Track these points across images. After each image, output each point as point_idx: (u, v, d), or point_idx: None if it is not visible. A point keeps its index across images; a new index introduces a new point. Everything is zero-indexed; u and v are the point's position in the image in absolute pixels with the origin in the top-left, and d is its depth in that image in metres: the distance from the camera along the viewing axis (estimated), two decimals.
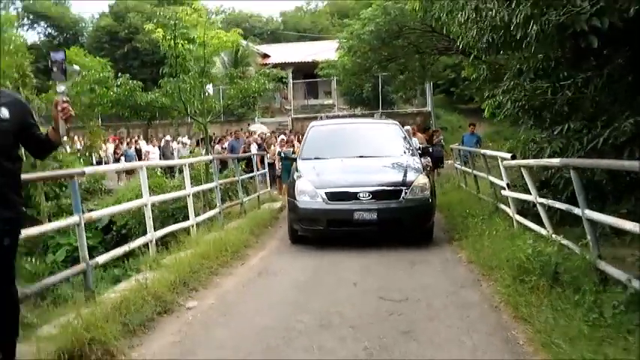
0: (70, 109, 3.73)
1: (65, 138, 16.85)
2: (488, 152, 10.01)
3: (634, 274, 4.43)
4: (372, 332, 4.72)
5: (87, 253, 5.44)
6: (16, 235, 3.62)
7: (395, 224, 8.22)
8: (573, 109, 6.43)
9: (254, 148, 17.08)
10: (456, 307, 5.40)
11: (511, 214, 7.90)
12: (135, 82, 12.82)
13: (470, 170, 12.02)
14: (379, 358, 4.22)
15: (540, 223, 6.60)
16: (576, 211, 5.30)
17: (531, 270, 5.35)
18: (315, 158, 9.17)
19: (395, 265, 7.18)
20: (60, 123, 3.72)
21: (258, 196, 12.88)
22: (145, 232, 7.22)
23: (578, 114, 6.51)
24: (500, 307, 5.33)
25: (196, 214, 8.94)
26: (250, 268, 7.31)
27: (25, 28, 46.11)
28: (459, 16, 6.76)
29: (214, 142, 21.02)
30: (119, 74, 13.98)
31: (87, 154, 18.56)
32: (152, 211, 7.67)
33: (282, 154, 13.77)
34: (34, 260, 7.21)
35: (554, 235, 6.07)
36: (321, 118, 11.80)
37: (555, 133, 6.64)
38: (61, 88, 3.75)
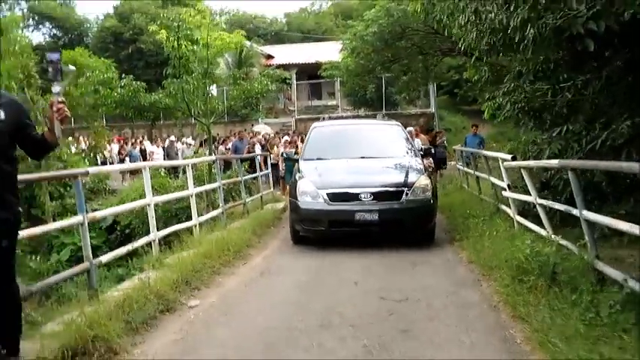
0: (66, 109, 3.74)
1: (70, 138, 17.00)
2: (489, 153, 10.05)
3: (630, 274, 4.48)
4: (371, 331, 4.77)
5: (90, 252, 5.51)
6: (14, 236, 3.66)
7: (396, 225, 8.24)
8: (573, 111, 6.47)
9: (258, 149, 17.16)
10: (456, 307, 5.45)
11: (512, 215, 7.95)
12: (139, 83, 12.91)
13: (471, 171, 12.06)
14: (378, 356, 4.26)
15: (541, 224, 6.64)
16: (574, 212, 5.35)
17: (530, 270, 5.40)
18: (317, 159, 9.20)
19: (396, 266, 7.23)
20: (55, 124, 3.72)
21: (261, 197, 12.95)
22: (148, 232, 7.30)
23: (577, 116, 6.56)
24: (499, 306, 5.37)
25: (199, 214, 9.00)
26: (252, 268, 7.37)
27: (31, 28, 46.36)
28: (460, 18, 6.81)
29: (218, 143, 21.08)
30: (123, 75, 14.07)
31: (91, 154, 18.65)
32: (155, 211, 7.74)
33: (285, 155, 13.82)
34: (38, 259, 7.28)
35: (553, 236, 6.12)
36: (324, 118, 11.86)
37: (554, 134, 6.68)
38: (56, 88, 3.77)
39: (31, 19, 45.99)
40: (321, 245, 8.32)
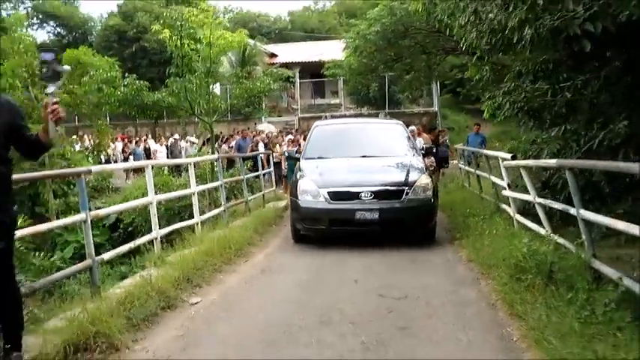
0: (60, 110, 3.69)
1: (74, 136, 17.06)
2: (490, 152, 10.09)
3: (625, 272, 4.52)
4: (370, 328, 4.83)
5: (93, 249, 5.57)
6: (10, 237, 3.70)
7: (397, 224, 8.25)
8: (572, 111, 6.51)
9: (261, 147, 17.22)
10: (454, 305, 5.50)
11: (512, 214, 7.98)
12: (142, 82, 12.97)
13: (472, 170, 12.10)
14: (376, 352, 4.32)
15: (540, 223, 6.67)
16: (572, 211, 5.39)
17: (527, 269, 5.45)
18: (319, 158, 9.23)
19: (396, 264, 7.27)
20: (50, 124, 3.69)
21: (263, 195, 13.01)
22: (150, 230, 7.36)
23: (576, 115, 6.59)
24: (497, 304, 5.43)
25: (201, 213, 9.07)
26: (253, 266, 7.43)
27: (35, 27, 46.46)
28: (460, 18, 6.86)
29: (221, 142, 21.14)
30: (127, 74, 14.14)
31: (95, 152, 18.73)
32: (158, 209, 7.80)
33: (286, 154, 13.88)
34: (41, 255, 7.36)
35: (551, 235, 6.16)
36: (326, 117, 11.89)
37: (553, 134, 6.73)
38: (51, 88, 3.75)
39: (35, 18, 46.12)
40: (322, 244, 8.35)
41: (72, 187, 13.38)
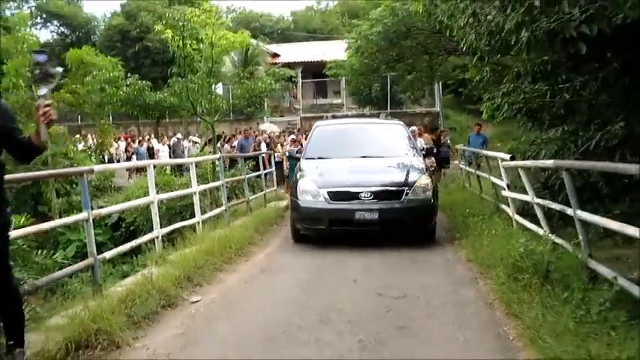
0: (52, 112, 3.63)
1: (77, 136, 17.11)
2: (490, 153, 10.13)
3: (620, 272, 4.57)
4: (369, 327, 4.87)
5: (95, 248, 5.62)
6: (5, 238, 3.71)
7: (396, 224, 8.27)
8: (570, 112, 6.55)
9: (264, 147, 17.29)
10: (452, 305, 5.55)
11: (511, 214, 8.02)
12: (144, 82, 13.05)
13: (473, 170, 12.14)
14: (373, 351, 4.38)
15: (539, 224, 6.71)
16: (569, 211, 5.43)
17: (524, 268, 5.49)
18: (319, 158, 9.26)
19: (396, 264, 7.32)
20: (41, 127, 3.62)
21: (265, 195, 13.07)
22: (152, 229, 7.42)
23: (575, 116, 6.64)
24: (495, 304, 5.47)
25: (202, 212, 9.12)
26: (254, 265, 7.48)
27: (39, 26, 46.68)
28: (460, 20, 6.90)
29: (224, 141, 21.21)
30: (129, 73, 14.21)
31: (98, 151, 18.81)
32: (160, 208, 7.85)
33: (287, 153, 13.92)
34: (44, 253, 7.43)
35: (549, 235, 6.21)
36: (327, 117, 11.93)
37: (552, 135, 6.77)
38: (43, 90, 3.69)
39: (38, 17, 46.30)
40: (322, 244, 8.38)
41: (74, 186, 13.44)
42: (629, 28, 4.83)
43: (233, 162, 15.77)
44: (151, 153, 22.71)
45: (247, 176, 12.24)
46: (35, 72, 3.81)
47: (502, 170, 8.40)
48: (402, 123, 10.75)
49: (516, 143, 8.84)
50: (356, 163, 8.95)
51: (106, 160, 20.37)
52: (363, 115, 25.39)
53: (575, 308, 4.53)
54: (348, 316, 5.21)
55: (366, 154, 9.21)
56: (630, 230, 4.12)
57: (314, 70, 32.03)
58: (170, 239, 7.85)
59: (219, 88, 17.62)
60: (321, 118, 12.39)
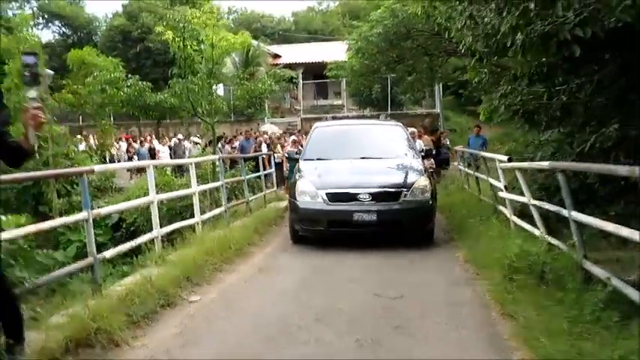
0: (41, 115, 3.57)
1: (78, 136, 17.14)
2: (488, 154, 10.18)
3: (613, 272, 4.62)
4: (365, 327, 4.94)
5: (94, 247, 5.65)
6: None
7: (395, 226, 8.30)
8: (566, 114, 6.60)
9: (264, 148, 17.34)
10: (448, 305, 5.61)
11: (508, 216, 8.07)
12: (144, 82, 13.10)
13: (471, 172, 12.19)
14: (369, 349, 4.44)
15: (536, 225, 6.77)
16: (564, 212, 5.49)
17: (520, 269, 5.57)
18: (318, 159, 9.29)
19: (394, 265, 7.37)
20: (30, 131, 3.56)
21: (264, 196, 13.12)
22: (152, 229, 7.47)
23: (571, 119, 6.69)
24: (490, 304, 5.53)
25: (202, 212, 9.16)
26: (253, 265, 7.53)
27: (40, 27, 46.74)
28: (457, 22, 6.96)
29: (225, 142, 21.27)
30: (130, 74, 14.27)
31: (99, 152, 18.88)
32: (160, 209, 7.89)
33: (286, 155, 13.97)
34: (44, 253, 7.50)
35: (546, 236, 6.27)
36: (326, 118, 11.97)
37: (548, 137, 6.83)
38: (32, 93, 3.65)
39: (40, 18, 46.38)
40: (321, 244, 8.42)
41: (75, 186, 13.49)
42: (622, 31, 4.89)
43: (234, 163, 15.83)
44: (153, 154, 22.74)
45: (247, 177, 12.28)
46: (25, 74, 3.72)
47: (499, 172, 8.45)
48: (401, 124, 10.76)
49: (514, 145, 8.88)
50: (355, 165, 8.98)
51: (107, 161, 20.40)
52: (363, 117, 25.42)
53: (569, 308, 4.61)
54: (345, 315, 5.27)
55: (365, 155, 9.24)
56: (624, 232, 4.18)
57: (315, 71, 32.07)
58: (170, 239, 7.89)
59: (220, 89, 17.68)
60: (321, 119, 12.43)
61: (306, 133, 21.17)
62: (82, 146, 18.94)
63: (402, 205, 8.20)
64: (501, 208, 8.81)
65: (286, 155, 14.22)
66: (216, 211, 9.99)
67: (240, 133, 21.76)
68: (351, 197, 8.21)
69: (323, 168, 8.95)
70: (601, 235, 6.00)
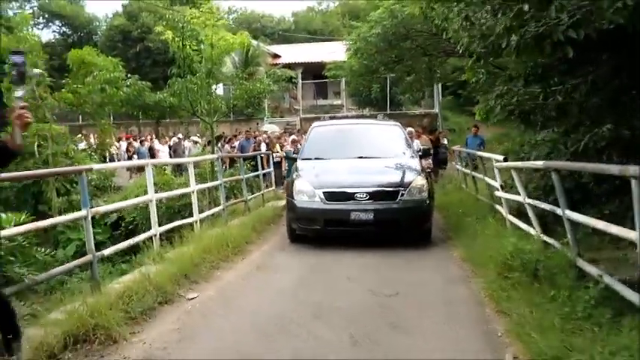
0: (28, 115, 3.52)
1: (79, 135, 17.15)
2: (484, 154, 10.24)
3: (607, 271, 4.68)
4: (360, 323, 5.00)
5: (93, 245, 5.73)
6: None
7: (392, 225, 8.32)
8: (562, 114, 6.66)
9: (264, 148, 17.40)
10: (444, 302, 5.68)
11: (504, 215, 8.13)
12: (144, 82, 13.14)
13: (469, 172, 12.25)
14: (364, 345, 4.50)
15: (532, 223, 6.82)
16: (558, 211, 5.55)
17: (514, 267, 5.63)
18: (315, 158, 9.34)
19: (390, 263, 7.43)
20: (16, 130, 3.51)
21: (263, 195, 13.17)
22: (150, 228, 7.53)
23: (566, 119, 6.75)
24: (485, 302, 5.60)
25: (201, 211, 9.21)
26: (250, 263, 7.59)
27: (40, 26, 46.78)
28: (454, 23, 7.02)
29: (224, 142, 21.31)
30: (130, 74, 14.32)
31: (98, 151, 18.88)
32: (159, 207, 7.94)
33: (284, 154, 14.01)
34: (44, 250, 7.55)
35: (541, 235, 6.32)
36: (324, 118, 12.02)
37: (544, 136, 6.89)
38: (19, 92, 3.59)
39: (40, 17, 46.44)
40: (318, 243, 8.46)
41: (75, 185, 13.52)
42: (615, 32, 4.96)
43: (233, 162, 15.87)
44: (153, 153, 22.78)
45: (246, 176, 12.34)
46: (12, 73, 3.71)
47: (496, 171, 8.51)
48: (399, 124, 10.79)
49: (510, 144, 8.94)
50: (352, 164, 9.03)
51: (107, 160, 20.43)
52: (362, 116, 25.45)
53: (562, 305, 4.66)
54: (341, 312, 5.34)
55: (363, 154, 9.28)
56: (614, 229, 4.24)
57: (314, 71, 32.08)
58: (169, 238, 7.94)
59: (219, 89, 17.72)
60: (320, 119, 12.47)
61: (306, 133, 21.26)
62: (82, 145, 18.97)
63: (400, 205, 8.22)
64: (498, 207, 8.88)
65: (285, 154, 14.26)
66: (215, 209, 10.05)
67: (240, 133, 21.82)
68: (349, 196, 8.24)
69: (320, 167, 8.99)
70: (594, 234, 6.08)
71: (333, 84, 32.35)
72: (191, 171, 9.19)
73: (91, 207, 6.02)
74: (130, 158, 22.91)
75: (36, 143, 12.86)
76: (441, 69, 18.74)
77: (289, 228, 8.92)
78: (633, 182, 3.70)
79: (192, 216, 8.88)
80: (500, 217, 8.42)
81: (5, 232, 4.63)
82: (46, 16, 47.16)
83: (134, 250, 7.37)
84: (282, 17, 56.67)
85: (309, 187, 8.48)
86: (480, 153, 10.97)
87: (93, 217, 5.89)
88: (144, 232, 7.82)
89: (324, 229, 8.40)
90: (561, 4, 4.90)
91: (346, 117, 22.03)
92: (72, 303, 4.88)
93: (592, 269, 4.86)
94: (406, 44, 16.34)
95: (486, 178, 9.84)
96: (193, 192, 8.97)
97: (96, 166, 7.83)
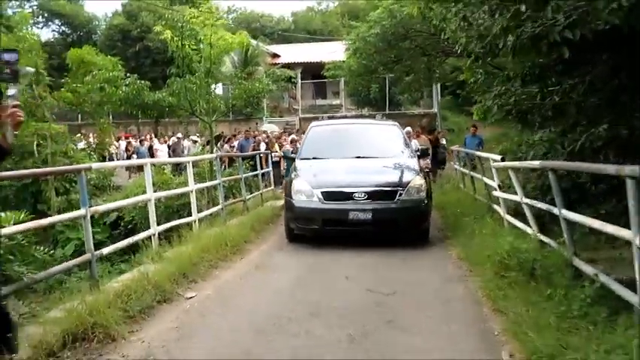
0: (20, 114, 3.52)
1: (78, 135, 17.14)
2: (482, 154, 10.27)
3: (604, 270, 4.71)
4: (357, 321, 5.03)
5: (92, 244, 5.75)
6: None
7: (390, 225, 8.33)
8: (559, 114, 6.68)
9: (263, 147, 17.43)
10: (441, 301, 5.71)
11: (502, 214, 8.15)
12: (143, 81, 13.14)
13: (467, 171, 12.28)
14: (360, 342, 4.53)
15: (529, 223, 6.85)
16: (555, 211, 5.58)
17: (511, 266, 5.66)
18: (314, 158, 9.36)
19: (388, 263, 7.45)
20: (8, 129, 3.49)
21: (262, 194, 13.20)
22: (149, 227, 7.55)
23: (563, 119, 6.78)
24: (482, 300, 5.63)
25: (199, 211, 9.24)
26: (249, 263, 7.61)
27: (40, 25, 46.80)
28: (452, 23, 7.05)
29: (224, 141, 21.35)
30: (130, 73, 14.30)
31: (98, 150, 18.89)
32: (158, 207, 7.96)
33: (282, 154, 14.04)
34: (43, 249, 7.57)
35: (538, 234, 6.35)
36: (322, 118, 12.04)
37: (541, 136, 6.92)
38: (11, 91, 3.56)
39: (40, 16, 46.46)
40: (317, 243, 8.47)
41: (74, 185, 13.55)
42: (611, 33, 4.99)
43: (232, 161, 15.90)
44: (153, 153, 22.82)
45: (244, 176, 12.36)
46: (4, 71, 3.64)
47: (493, 171, 8.54)
48: (397, 124, 10.80)
49: (508, 144, 8.97)
50: (350, 164, 9.04)
51: (106, 160, 20.44)
52: (361, 116, 25.49)
53: (558, 304, 4.69)
54: (338, 310, 5.36)
55: (361, 154, 9.30)
56: (609, 228, 4.27)
57: (313, 71, 32.11)
58: (167, 237, 7.97)
59: (218, 88, 17.72)
60: (318, 118, 12.49)
61: (305, 133, 21.26)
62: (81, 144, 18.98)
63: (398, 204, 8.23)
64: (495, 206, 8.90)
65: (283, 154, 14.28)
66: (213, 209, 10.08)
67: (239, 133, 21.83)
68: (347, 196, 8.25)
69: (319, 167, 9.01)
70: (591, 233, 6.11)
71: (332, 84, 32.39)
72: (190, 170, 9.21)
73: (90, 206, 6.04)
74: (129, 158, 22.93)
75: (35, 142, 12.88)
76: (439, 69, 18.79)
77: (287, 228, 8.93)
78: (628, 181, 3.72)
79: (190, 215, 8.91)
80: (498, 216, 8.45)
81: (5, 231, 4.65)
82: (46, 15, 47.22)
83: (133, 249, 7.39)
84: (281, 17, 56.75)
85: (308, 186, 8.49)
86: (478, 153, 11.00)
87: (92, 217, 5.91)
88: (143, 231, 7.84)
89: (323, 229, 8.41)
90: (558, 5, 4.93)
91: (345, 117, 22.07)
92: (71, 301, 4.89)
93: (588, 268, 4.89)
94: (405, 44, 16.39)
95: (484, 178, 9.86)
96: (192, 191, 8.99)
97: (95, 165, 7.85)
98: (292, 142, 17.82)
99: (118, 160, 22.73)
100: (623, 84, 6.18)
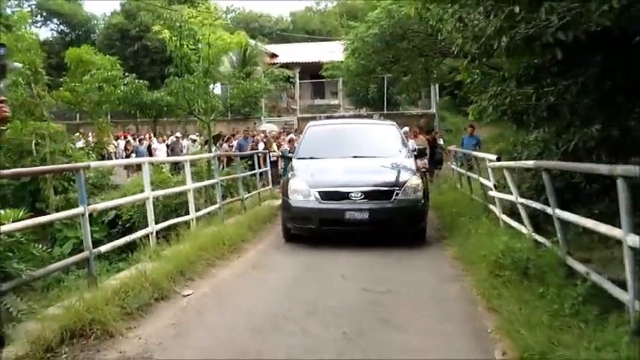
0: (5, 109, 3.50)
1: (77, 134, 17.15)
2: (478, 154, 10.33)
3: (593, 268, 4.77)
4: (353, 320, 5.08)
5: (90, 242, 5.79)
6: None
7: (386, 224, 8.36)
8: (553, 114, 6.74)
9: (261, 147, 17.48)
10: (436, 300, 5.77)
11: (497, 214, 8.20)
12: (141, 81, 13.20)
13: (463, 171, 12.34)
14: (356, 341, 4.58)
15: (524, 223, 6.90)
16: (549, 210, 5.64)
17: (505, 265, 5.71)
18: (311, 158, 9.39)
19: (384, 262, 7.51)
20: None
21: (259, 194, 13.24)
22: (147, 225, 7.60)
23: (557, 119, 6.83)
24: (477, 299, 5.69)
25: (197, 210, 9.28)
26: (246, 261, 7.66)
27: (39, 24, 46.77)
28: (448, 24, 7.10)
29: (223, 141, 21.39)
30: (127, 72, 14.36)
31: (96, 149, 18.92)
32: (156, 205, 7.99)
33: (281, 153, 14.08)
34: (41, 247, 7.60)
35: (532, 234, 6.41)
36: (320, 118, 12.08)
37: (535, 136, 6.97)
38: None
39: (39, 16, 46.42)
40: (313, 242, 8.51)
41: (72, 183, 13.57)
42: (603, 35, 5.04)
43: (230, 161, 15.94)
44: (151, 152, 22.85)
45: (242, 175, 12.40)
46: None
47: (489, 171, 8.59)
48: (395, 124, 10.85)
49: (505, 144, 9.03)
50: (347, 163, 9.06)
51: (105, 159, 20.46)
52: (359, 116, 25.55)
53: (551, 303, 4.75)
54: (334, 309, 5.42)
55: (358, 154, 9.32)
56: (602, 228, 4.33)
57: (312, 71, 32.18)
58: (165, 236, 8.00)
59: (217, 88, 17.78)
60: (316, 118, 12.53)
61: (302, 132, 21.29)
62: (79, 144, 19.01)
63: (394, 204, 8.26)
64: (491, 206, 8.96)
65: (280, 153, 14.32)
66: (211, 208, 10.11)
67: (238, 132, 21.86)
68: (343, 196, 8.28)
69: (316, 167, 9.04)
70: (585, 233, 6.16)
71: (330, 84, 32.47)
72: (187, 169, 9.25)
73: (89, 204, 6.08)
74: (128, 157, 22.95)
75: (34, 141, 12.91)
76: (437, 69, 18.82)
77: (284, 227, 8.95)
78: (619, 181, 3.78)
79: (188, 214, 8.95)
80: (494, 216, 8.50)
81: (4, 228, 4.70)
82: (44, 14, 47.16)
83: (131, 247, 7.44)
84: (280, 17, 56.86)
85: (304, 186, 8.52)
86: (474, 153, 11.06)
87: (90, 215, 5.96)
88: (141, 230, 7.88)
89: (319, 229, 8.43)
90: (551, 6, 4.98)
91: (343, 117, 22.13)
92: (69, 298, 4.94)
93: (580, 267, 4.95)
94: (403, 44, 16.42)
95: (480, 178, 9.92)
96: (190, 190, 9.03)
97: (93, 164, 7.90)
98: (290, 141, 17.86)
99: (117, 159, 22.75)
100: (618, 85, 6.23)
